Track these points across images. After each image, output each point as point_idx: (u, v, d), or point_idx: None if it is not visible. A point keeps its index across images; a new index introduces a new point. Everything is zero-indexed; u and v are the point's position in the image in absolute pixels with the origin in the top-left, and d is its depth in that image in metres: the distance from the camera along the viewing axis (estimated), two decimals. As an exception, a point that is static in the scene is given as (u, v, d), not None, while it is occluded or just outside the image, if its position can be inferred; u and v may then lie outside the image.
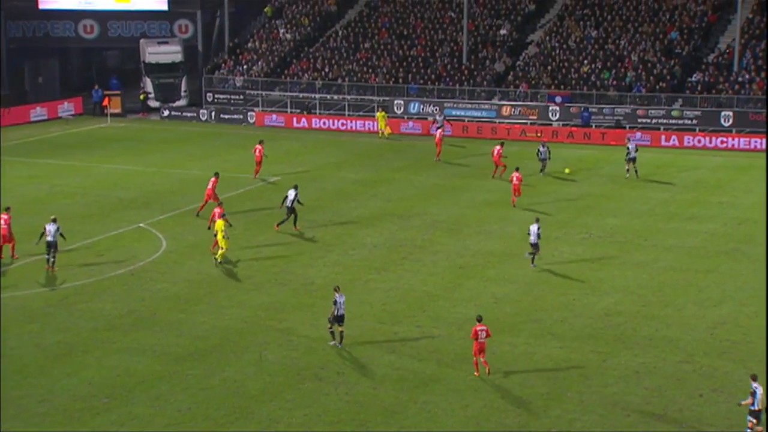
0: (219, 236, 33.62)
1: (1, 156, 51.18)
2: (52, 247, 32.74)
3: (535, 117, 59.75)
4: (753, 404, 21.12)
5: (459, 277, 32.53)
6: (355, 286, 31.96)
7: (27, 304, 29.70)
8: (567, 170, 47.73)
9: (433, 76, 64.18)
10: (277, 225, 37.77)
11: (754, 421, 21.17)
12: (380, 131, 58.05)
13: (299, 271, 33.31)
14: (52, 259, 32.83)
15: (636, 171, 46.47)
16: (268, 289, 31.66)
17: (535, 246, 33.53)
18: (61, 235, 33.03)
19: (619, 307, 29.88)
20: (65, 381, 24.41)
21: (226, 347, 26.86)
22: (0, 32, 69.75)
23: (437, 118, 57.13)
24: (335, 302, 26.72)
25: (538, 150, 47.67)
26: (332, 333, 27.10)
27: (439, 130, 53.13)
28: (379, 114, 58.79)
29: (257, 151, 46.49)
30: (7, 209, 34.58)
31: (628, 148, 46.85)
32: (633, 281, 32.20)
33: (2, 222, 33.80)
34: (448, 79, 63.70)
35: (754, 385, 21.38)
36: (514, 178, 41.69)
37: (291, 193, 37.66)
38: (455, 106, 61.53)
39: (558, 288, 31.73)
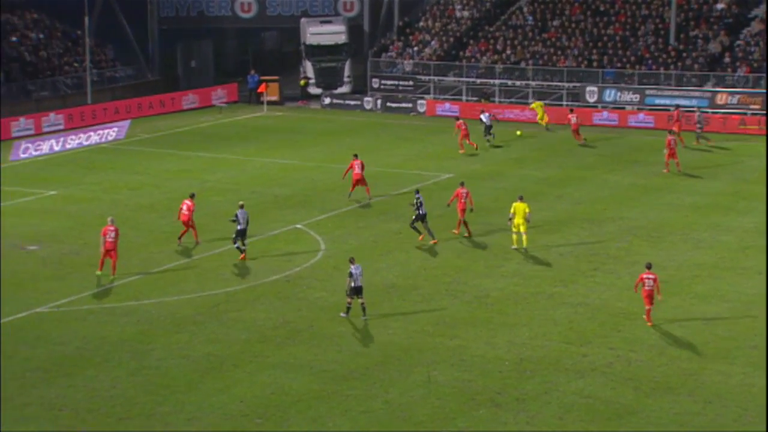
0: (516, 221, 35.61)
1: (125, 151, 53.53)
2: (241, 235, 35.08)
3: (757, 107, 57.61)
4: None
5: (662, 292, 31.70)
6: (538, 300, 31.70)
7: (175, 312, 30.91)
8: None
9: (633, 59, 62.91)
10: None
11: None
12: (541, 121, 57.73)
13: (473, 282, 33.31)
14: (243, 248, 35.21)
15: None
16: (437, 301, 31.79)
17: None
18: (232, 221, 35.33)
19: None
20: (215, 398, 25.22)
21: (390, 366, 27.12)
22: (151, 12, 72.98)
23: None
24: (351, 274, 29.47)
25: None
26: (348, 307, 29.88)
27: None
28: (535, 104, 58.60)
29: (353, 167, 42.48)
30: (192, 195, 37.19)
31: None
32: None
33: (184, 208, 36.42)
34: (651, 62, 62.28)
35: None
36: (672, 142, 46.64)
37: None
38: (659, 93, 60.11)
39: (781, 309, 30.49)
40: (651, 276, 29.37)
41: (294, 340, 28.77)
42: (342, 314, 30.15)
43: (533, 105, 59.23)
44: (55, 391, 25.42)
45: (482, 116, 54.12)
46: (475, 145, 52.01)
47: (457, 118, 54.38)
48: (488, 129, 53.57)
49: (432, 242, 36.87)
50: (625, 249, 36.43)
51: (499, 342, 28.41)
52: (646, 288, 29.30)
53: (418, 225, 36.97)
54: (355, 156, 43.13)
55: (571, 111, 55.78)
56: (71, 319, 30.36)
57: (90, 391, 25.42)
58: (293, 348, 28.25)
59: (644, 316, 29.66)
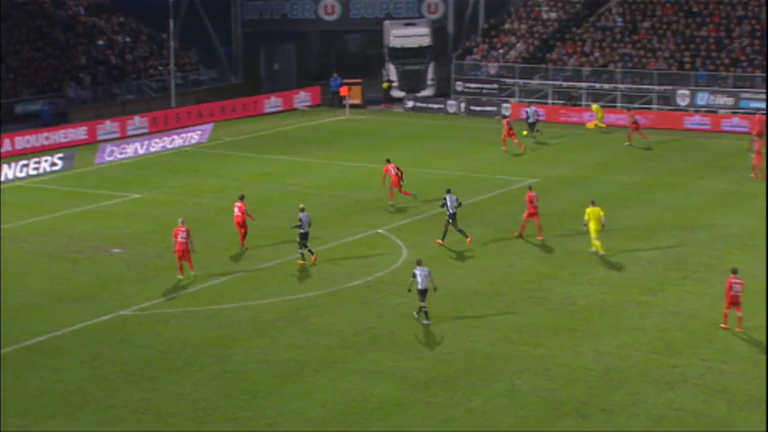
0: (592, 227, 35.30)
1: (196, 154, 54.18)
2: (304, 238, 35.38)
3: None
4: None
5: (755, 303, 31.08)
6: (625, 308, 31.28)
7: (257, 316, 31.14)
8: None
9: (726, 61, 61.83)
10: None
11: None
12: (598, 124, 57.42)
13: (558, 289, 33.01)
14: (310, 251, 35.57)
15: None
16: (521, 308, 31.56)
17: None
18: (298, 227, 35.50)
19: None
20: (296, 403, 25.34)
21: (473, 373, 27.00)
22: (234, 15, 73.83)
23: None
24: (414, 275, 30.05)
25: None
26: (425, 312, 30.01)
27: None
28: (595, 106, 58.55)
29: (389, 171, 42.72)
30: (242, 197, 37.71)
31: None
32: None
33: (236, 210, 36.94)
34: (746, 65, 61.16)
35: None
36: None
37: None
38: (754, 96, 58.98)
39: None
40: (738, 281, 28.92)
41: (375, 346, 28.79)
42: (425, 322, 30.09)
43: (594, 107, 58.79)
44: (138, 394, 25.78)
45: (528, 110, 55.70)
46: (522, 147, 52.74)
47: (504, 116, 54.79)
48: (533, 126, 54.88)
49: (467, 240, 37.11)
50: (717, 257, 35.77)
51: (585, 351, 28.08)
52: (733, 293, 28.88)
53: (451, 227, 37.05)
54: (388, 161, 43.29)
55: (628, 110, 56.60)
56: (154, 322, 30.79)
57: (172, 395, 25.73)
58: (374, 354, 28.27)
59: (735, 326, 29.14)
